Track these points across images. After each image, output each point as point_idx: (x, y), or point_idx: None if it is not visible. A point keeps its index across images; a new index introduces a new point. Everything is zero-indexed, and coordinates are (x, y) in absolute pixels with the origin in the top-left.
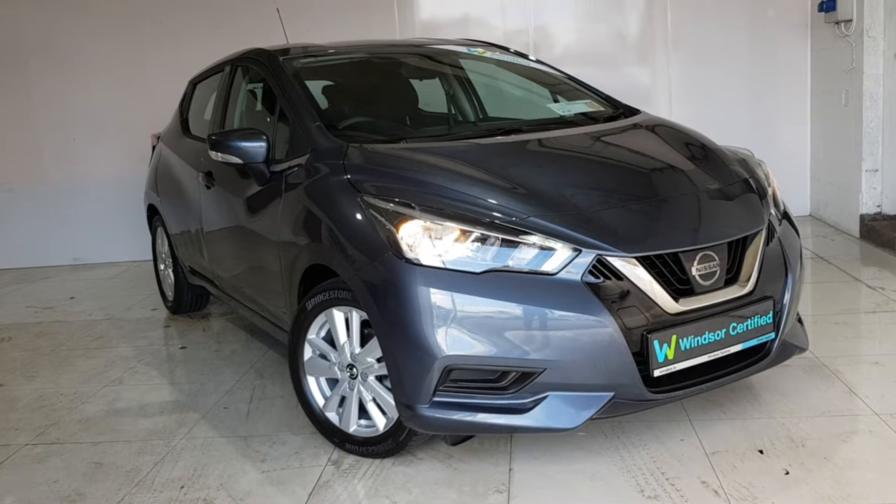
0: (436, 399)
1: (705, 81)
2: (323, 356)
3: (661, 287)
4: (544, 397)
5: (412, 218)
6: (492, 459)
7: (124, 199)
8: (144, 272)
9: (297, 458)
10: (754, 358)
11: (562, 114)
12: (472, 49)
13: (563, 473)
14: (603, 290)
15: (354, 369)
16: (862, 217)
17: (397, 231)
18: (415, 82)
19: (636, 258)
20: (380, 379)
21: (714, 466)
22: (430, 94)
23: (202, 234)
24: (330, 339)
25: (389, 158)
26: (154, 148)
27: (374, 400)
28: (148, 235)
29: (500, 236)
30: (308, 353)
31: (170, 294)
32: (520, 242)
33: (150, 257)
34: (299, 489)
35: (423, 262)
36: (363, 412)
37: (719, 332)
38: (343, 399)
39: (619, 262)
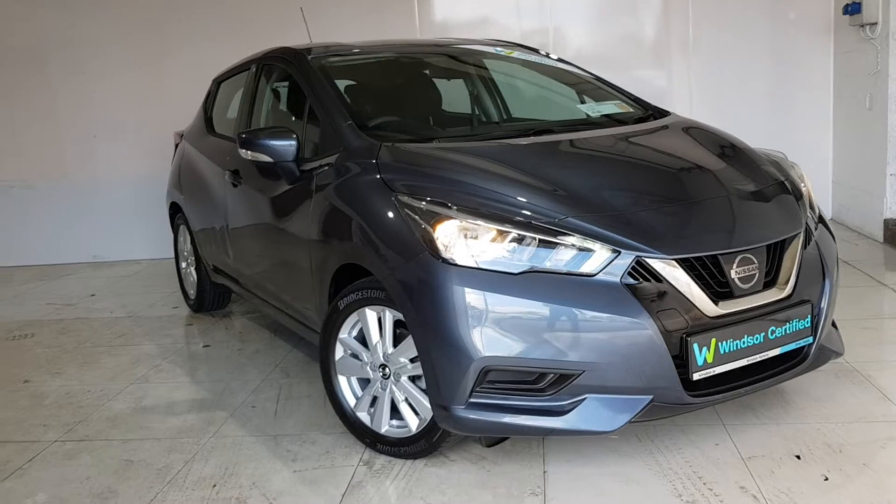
0: (472, 400)
1: (725, 85)
2: (355, 356)
3: (700, 289)
4: (582, 400)
5: (449, 218)
6: (525, 461)
7: (143, 197)
8: (164, 270)
9: (328, 457)
10: (792, 362)
11: (591, 115)
12: (498, 49)
13: (599, 476)
14: (642, 292)
15: (387, 369)
16: (886, 221)
17: (434, 231)
18: (441, 82)
19: (675, 260)
20: (412, 379)
21: (751, 471)
22: (457, 95)
23: (227, 232)
24: (362, 339)
25: (423, 158)
26: (177, 146)
27: (406, 400)
28: (167, 233)
29: (538, 237)
30: (339, 352)
31: (192, 292)
32: (558, 243)
33: (169, 255)
34: (332, 489)
35: (460, 262)
36: (395, 412)
37: (758, 335)
38: (375, 399)
39: (658, 264)
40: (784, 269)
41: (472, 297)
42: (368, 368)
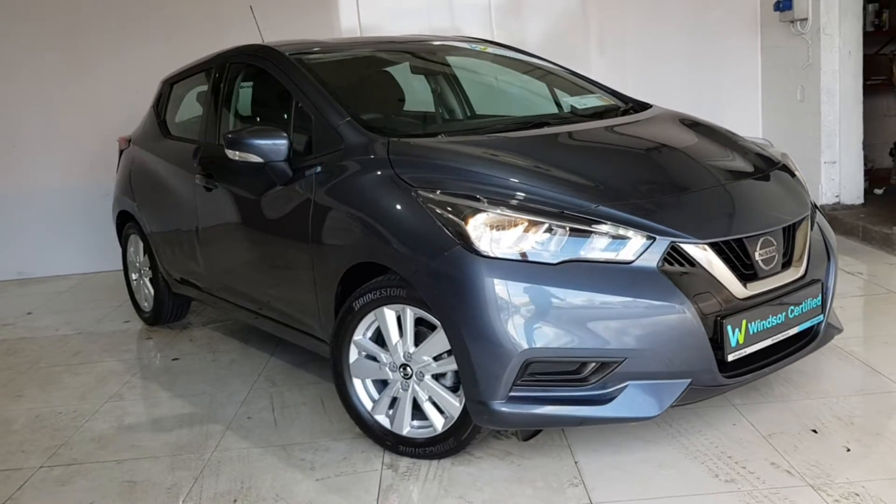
0: (512, 394)
1: (655, 82)
2: (371, 357)
3: (730, 272)
4: (624, 387)
5: (481, 211)
6: (553, 454)
7: (71, 210)
8: (101, 283)
9: (347, 463)
10: (805, 340)
11: (580, 107)
12: (473, 45)
13: (631, 463)
14: (678, 276)
15: (408, 369)
16: (822, 207)
17: (467, 224)
18: (425, 78)
19: (708, 244)
20: (436, 377)
21: (776, 448)
22: (442, 90)
23: (197, 238)
24: (376, 340)
25: (438, 152)
26: (122, 152)
27: (430, 399)
28: (100, 246)
29: (573, 226)
30: (354, 354)
31: (146, 305)
32: (592, 232)
33: (104, 268)
34: (364, 495)
35: (497, 254)
36: (415, 413)
37: (780, 315)
38: (394, 400)
39: (692, 249)
40: (797, 250)
41: (511, 290)
42: (387, 369)
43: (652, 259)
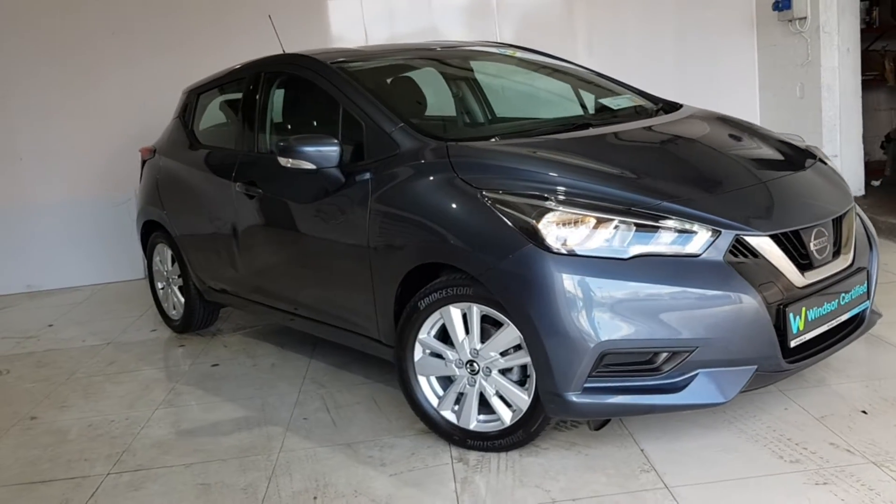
0: (587, 385)
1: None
2: (435, 355)
3: (790, 262)
4: (695, 375)
5: (551, 209)
6: (617, 443)
7: (79, 221)
8: (115, 294)
9: (416, 459)
10: (853, 326)
11: (615, 108)
12: (502, 50)
13: (695, 449)
14: (743, 268)
15: (475, 365)
16: None
17: (538, 223)
18: (461, 83)
19: (769, 236)
20: (502, 372)
21: (831, 429)
22: (478, 94)
23: (236, 244)
24: (440, 338)
25: (498, 155)
26: (145, 162)
27: (497, 394)
28: (111, 256)
29: (640, 222)
30: (419, 353)
31: (174, 313)
32: (659, 227)
33: (116, 279)
34: (441, 488)
35: (570, 251)
36: (480, 408)
37: (834, 302)
38: (460, 396)
39: (755, 241)
40: (844, 239)
41: (587, 285)
42: (453, 366)
43: (718, 251)
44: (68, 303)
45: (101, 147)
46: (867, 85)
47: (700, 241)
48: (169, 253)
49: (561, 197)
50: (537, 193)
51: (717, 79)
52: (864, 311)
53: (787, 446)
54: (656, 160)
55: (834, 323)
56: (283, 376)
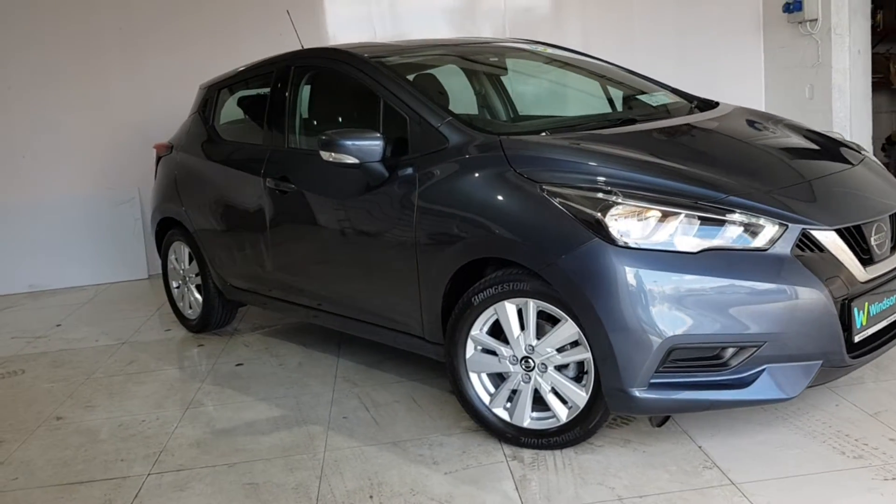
0: (653, 381)
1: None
2: (488, 352)
3: (853, 257)
4: (763, 370)
5: (617, 203)
6: (673, 440)
7: (83, 220)
8: (122, 294)
9: (468, 457)
10: None
11: (654, 104)
12: (534, 47)
13: (754, 445)
14: (810, 262)
15: (530, 361)
16: None
17: (605, 217)
18: (498, 79)
19: (835, 230)
20: (558, 369)
21: (887, 425)
22: (515, 90)
23: (266, 241)
24: (492, 334)
25: (555, 149)
26: (159, 159)
27: (552, 390)
28: (115, 256)
29: (707, 216)
30: (470, 350)
31: (191, 312)
32: (726, 221)
33: (118, 279)
34: (501, 485)
35: (638, 245)
36: (534, 405)
37: (892, 297)
38: (513, 393)
39: (821, 235)
40: None
41: (655, 279)
42: (507, 362)
43: (786, 246)
44: (73, 303)
45: (104, 145)
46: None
47: (767, 234)
48: (186, 251)
49: (625, 190)
50: (600, 187)
51: (722, 79)
52: None
53: (846, 442)
54: (712, 155)
55: (892, 319)
56: (312, 375)
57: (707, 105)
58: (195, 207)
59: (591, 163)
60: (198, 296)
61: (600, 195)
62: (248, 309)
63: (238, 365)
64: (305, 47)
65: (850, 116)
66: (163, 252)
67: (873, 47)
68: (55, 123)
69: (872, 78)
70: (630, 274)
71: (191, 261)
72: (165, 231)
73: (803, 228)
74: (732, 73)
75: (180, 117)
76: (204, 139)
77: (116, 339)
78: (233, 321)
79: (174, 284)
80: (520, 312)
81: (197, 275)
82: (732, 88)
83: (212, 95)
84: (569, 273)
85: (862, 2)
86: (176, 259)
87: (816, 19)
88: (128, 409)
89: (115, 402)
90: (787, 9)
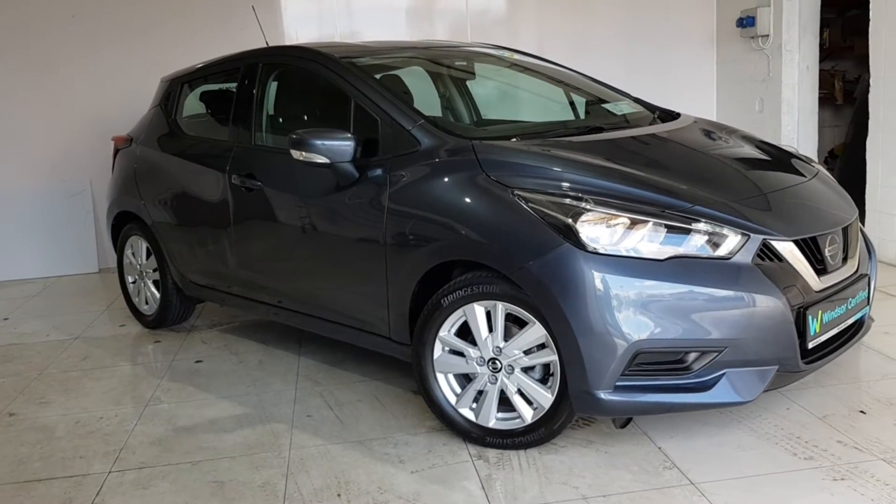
0: (619, 384)
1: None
2: (456, 352)
3: (809, 267)
4: (722, 374)
5: (587, 210)
6: (634, 441)
7: (32, 212)
8: (73, 287)
9: (434, 456)
10: (854, 329)
11: (618, 114)
12: (501, 53)
13: (711, 447)
14: (769, 271)
15: (497, 363)
16: None
17: (576, 223)
18: (465, 82)
19: (793, 241)
20: (525, 370)
21: (835, 428)
22: (484, 95)
23: (230, 238)
24: (460, 335)
25: (528, 155)
26: (117, 151)
27: (518, 391)
28: (64, 249)
29: (674, 224)
30: (438, 350)
31: (147, 308)
32: (692, 230)
33: (67, 272)
34: (467, 484)
35: (607, 251)
36: (500, 405)
37: (843, 306)
38: (479, 394)
39: (780, 246)
40: (851, 246)
41: (623, 285)
42: (475, 363)
43: (747, 255)
44: (21, 296)
45: (56, 135)
46: None
47: (730, 244)
48: (144, 245)
49: (596, 197)
50: (572, 193)
51: (675, 90)
52: (864, 315)
53: (798, 444)
54: (678, 165)
55: (842, 326)
56: (274, 373)
57: (668, 116)
58: (155, 202)
59: (561, 169)
60: (155, 291)
61: (571, 201)
62: (205, 305)
63: (197, 362)
64: (269, 44)
65: (797, 130)
66: (119, 246)
67: (819, 64)
68: (4, 113)
69: (818, 93)
70: (599, 279)
71: (148, 256)
72: (122, 225)
73: (764, 238)
74: (686, 84)
75: (136, 109)
76: (166, 133)
77: (69, 334)
78: (190, 317)
79: (130, 279)
80: (488, 315)
81: (154, 270)
82: (685, 99)
83: (174, 89)
84: (539, 277)
85: (811, 20)
86: (132, 254)
87: (768, 35)
88: (84, 405)
89: (70, 398)
90: (741, 24)
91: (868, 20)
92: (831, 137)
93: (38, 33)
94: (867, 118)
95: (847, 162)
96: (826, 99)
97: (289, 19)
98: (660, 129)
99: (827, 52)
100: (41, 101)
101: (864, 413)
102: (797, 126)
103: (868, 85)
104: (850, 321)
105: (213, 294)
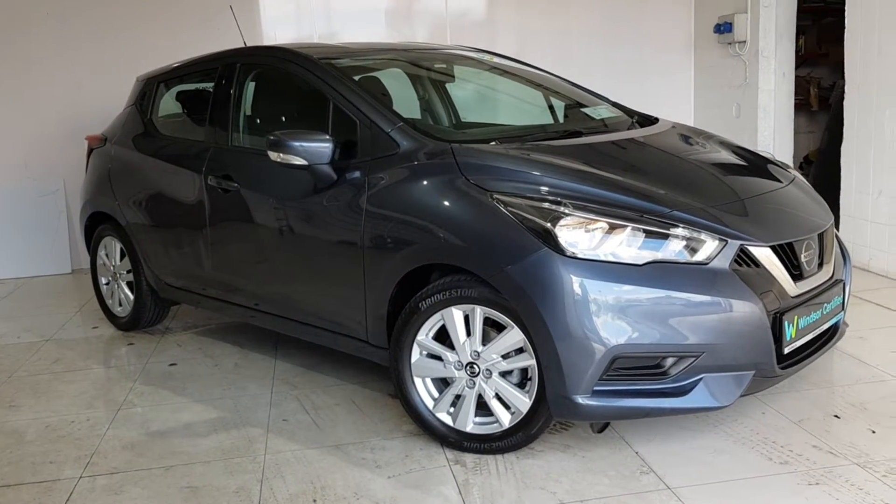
0: (597, 388)
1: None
2: (433, 357)
3: (785, 272)
4: (699, 379)
5: (566, 214)
6: (611, 445)
7: (1, 211)
8: (43, 289)
9: (411, 461)
10: (829, 335)
11: (596, 117)
12: (481, 56)
13: (688, 451)
14: (746, 276)
15: (475, 367)
16: None
17: (554, 227)
18: (449, 86)
19: (770, 247)
20: (502, 375)
21: (810, 432)
22: (463, 98)
23: (205, 240)
24: (437, 339)
25: (506, 159)
26: (91, 151)
27: (496, 396)
28: (33, 249)
29: (652, 229)
30: (416, 354)
31: (120, 310)
32: (670, 235)
33: (37, 273)
34: (444, 489)
35: (585, 256)
36: (477, 410)
37: (818, 311)
38: (456, 398)
39: (757, 251)
40: (826, 252)
41: (601, 289)
42: (452, 368)
43: (724, 260)
44: None
45: (29, 133)
46: None
47: (708, 249)
48: (118, 247)
49: (575, 202)
50: (550, 198)
51: (652, 94)
52: (839, 321)
53: (773, 448)
54: (656, 170)
55: (818, 331)
56: (249, 377)
57: (647, 120)
58: (130, 202)
59: (541, 174)
60: (129, 293)
61: (550, 206)
62: (180, 307)
63: (171, 365)
64: (246, 44)
65: (773, 136)
66: (92, 247)
67: (795, 70)
68: None
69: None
70: (578, 284)
71: (122, 257)
72: (96, 225)
73: (741, 244)
74: (663, 88)
75: (111, 108)
76: (141, 132)
77: (40, 336)
78: (164, 320)
79: (103, 281)
80: (466, 319)
81: (128, 271)
82: (662, 104)
83: (150, 88)
84: (517, 281)
85: (787, 26)
86: (106, 255)
87: (745, 41)
88: (55, 409)
89: (41, 401)
90: (718, 30)
91: (843, 27)
92: (806, 143)
93: (11, 31)
94: (841, 125)
95: (822, 168)
96: (801, 105)
97: (267, 20)
98: (638, 133)
99: (802, 59)
100: (12, 98)
101: (839, 417)
102: (773, 132)
103: (842, 92)
104: (825, 326)
105: (188, 296)
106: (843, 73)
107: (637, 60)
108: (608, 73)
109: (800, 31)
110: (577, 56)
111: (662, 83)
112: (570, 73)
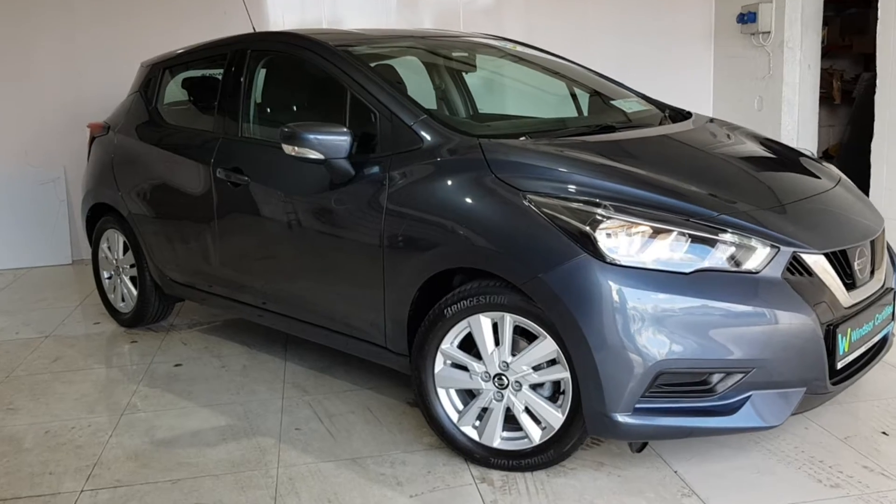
0: (638, 405)
1: None
2: (458, 366)
3: (839, 282)
4: (748, 397)
5: (608, 217)
6: (647, 464)
7: (0, 199)
8: (43, 281)
9: (434, 478)
10: (877, 347)
11: (630, 112)
12: (505, 44)
13: (730, 471)
14: (799, 286)
15: (504, 378)
16: None
17: (594, 232)
18: (468, 75)
19: (823, 254)
20: (533, 388)
21: (858, 451)
22: (485, 88)
23: (214, 235)
24: (463, 348)
25: (540, 156)
26: (93, 139)
27: (526, 410)
28: (32, 240)
29: (699, 234)
30: (440, 364)
31: (123, 305)
32: (718, 241)
33: (35, 265)
34: None
35: (628, 263)
36: (504, 424)
37: (870, 323)
38: (482, 412)
39: (810, 259)
40: (878, 259)
41: (646, 299)
42: (479, 379)
43: (777, 268)
44: None
45: (29, 119)
46: None
47: (759, 256)
48: (121, 240)
49: (615, 204)
50: (588, 199)
51: (671, 85)
52: (888, 332)
53: (821, 469)
54: (698, 170)
55: (869, 344)
56: (259, 380)
57: (679, 115)
58: (133, 194)
59: (577, 172)
60: (132, 288)
61: (589, 208)
62: (184, 303)
63: (177, 365)
64: (256, 29)
65: (797, 130)
66: (94, 240)
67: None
68: None
69: None
70: (620, 292)
71: (125, 250)
72: (98, 217)
73: (794, 251)
74: (681, 79)
75: (114, 95)
76: (145, 121)
77: (39, 332)
78: (168, 316)
79: (105, 275)
80: (495, 327)
81: (132, 266)
82: (681, 95)
83: (155, 75)
84: (553, 289)
85: (814, 17)
86: (108, 248)
87: (769, 32)
88: (55, 413)
89: (40, 404)
90: (741, 19)
91: (867, 19)
92: (826, 138)
93: (9, 14)
94: (866, 119)
95: (844, 163)
96: (823, 98)
97: (274, 4)
98: (674, 129)
99: (825, 51)
100: (13, 83)
101: (887, 434)
102: (797, 126)
103: (868, 85)
104: (877, 339)
105: (193, 293)
106: (866, 65)
107: (654, 50)
108: (624, 63)
109: (823, 22)
110: (592, 46)
111: (680, 74)
112: (585, 64)
